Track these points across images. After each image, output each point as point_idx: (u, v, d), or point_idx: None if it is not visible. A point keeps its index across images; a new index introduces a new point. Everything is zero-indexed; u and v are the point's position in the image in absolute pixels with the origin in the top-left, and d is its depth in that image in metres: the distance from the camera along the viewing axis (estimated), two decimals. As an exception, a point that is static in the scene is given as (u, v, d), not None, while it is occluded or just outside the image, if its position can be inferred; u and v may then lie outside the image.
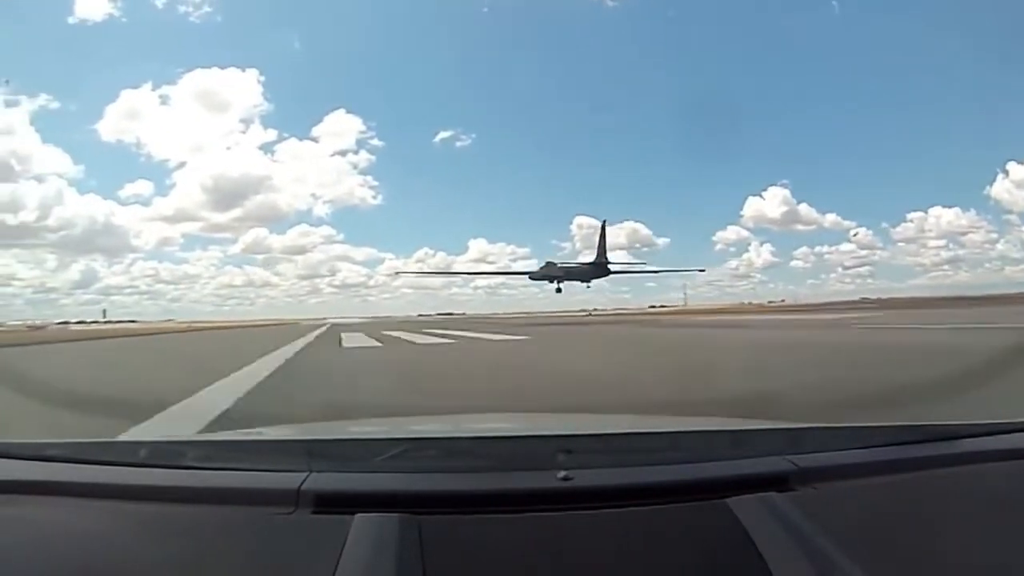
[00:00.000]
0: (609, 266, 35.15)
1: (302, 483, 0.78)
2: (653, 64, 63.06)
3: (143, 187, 58.18)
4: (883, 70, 55.16)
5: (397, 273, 47.94)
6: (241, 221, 65.46)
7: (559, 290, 36.00)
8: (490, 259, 54.00)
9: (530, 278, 38.52)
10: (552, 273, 36.49)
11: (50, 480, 0.84)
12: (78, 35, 45.24)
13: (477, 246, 54.89)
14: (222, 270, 54.14)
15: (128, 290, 54.25)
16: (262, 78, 51.26)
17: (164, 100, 53.44)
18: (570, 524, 0.72)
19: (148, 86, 52.29)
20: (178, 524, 0.75)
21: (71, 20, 45.90)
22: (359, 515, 0.70)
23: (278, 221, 66.25)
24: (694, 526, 0.72)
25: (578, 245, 56.48)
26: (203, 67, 52.80)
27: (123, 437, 2.50)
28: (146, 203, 61.09)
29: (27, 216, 46.58)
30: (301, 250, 56.33)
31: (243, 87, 59.55)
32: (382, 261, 48.27)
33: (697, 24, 55.96)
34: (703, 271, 38.52)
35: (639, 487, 0.79)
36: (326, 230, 56.24)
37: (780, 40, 54.47)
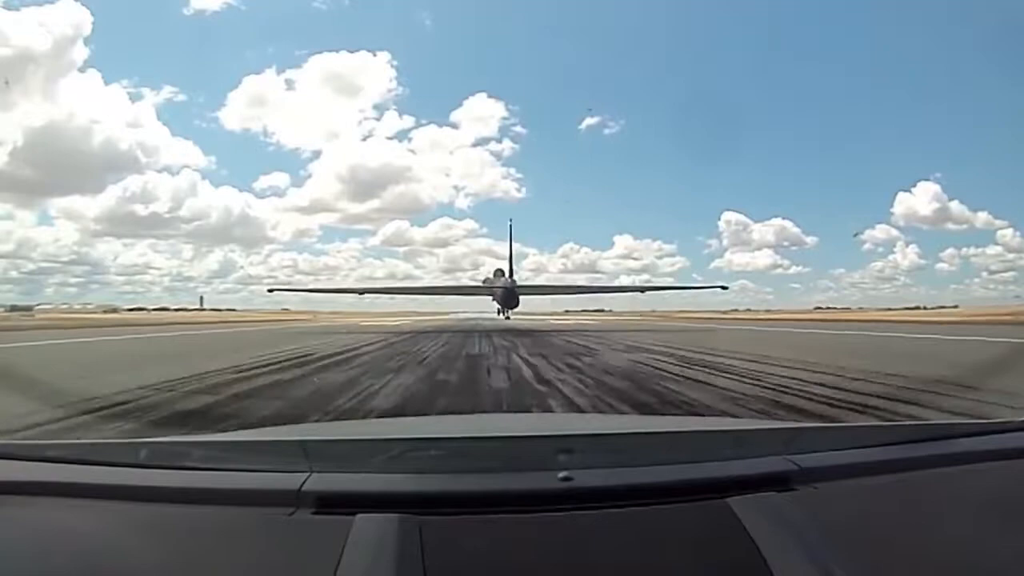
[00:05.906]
0: (518, 288, 24.60)
1: (303, 483, 0.78)
2: (802, 57, 58.48)
3: (278, 178, 57.78)
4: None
5: (271, 290, 40.21)
6: (380, 212, 63.10)
7: (503, 313, 26.46)
8: (635, 255, 52.08)
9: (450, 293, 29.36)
10: (477, 291, 27.61)
11: (50, 480, 0.83)
12: (194, 26, 45.22)
13: (623, 242, 53.29)
14: (362, 262, 53.66)
15: (267, 280, 54.19)
16: (395, 62, 50.89)
17: (290, 86, 52.46)
18: (571, 524, 0.72)
19: (271, 72, 51.24)
20: (178, 525, 0.75)
21: (186, 12, 46.41)
22: (360, 516, 0.70)
23: (419, 213, 64.70)
24: (695, 526, 0.72)
25: (725, 242, 53.46)
26: (330, 51, 51.61)
27: (123, 438, 2.50)
28: (281, 194, 61.83)
29: (159, 207, 47.30)
30: (443, 243, 54.47)
31: (374, 71, 59.27)
32: (526, 256, 45.53)
33: (834, 22, 52.78)
34: (726, 288, 28.63)
35: (639, 487, 0.79)
36: (469, 223, 55.50)
37: (930, 23, 50.51)
